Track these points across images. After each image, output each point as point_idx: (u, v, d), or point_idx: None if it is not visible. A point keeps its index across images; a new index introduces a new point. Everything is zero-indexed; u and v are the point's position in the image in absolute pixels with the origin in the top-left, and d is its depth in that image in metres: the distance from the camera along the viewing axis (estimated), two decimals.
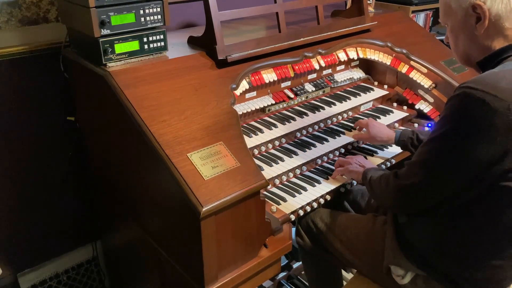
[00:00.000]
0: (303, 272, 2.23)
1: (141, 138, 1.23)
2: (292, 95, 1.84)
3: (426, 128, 1.96)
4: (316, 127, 1.80)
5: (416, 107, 2.04)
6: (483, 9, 1.09)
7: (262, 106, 1.75)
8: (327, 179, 1.57)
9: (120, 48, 1.37)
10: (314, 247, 1.61)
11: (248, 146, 1.39)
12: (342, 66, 2.11)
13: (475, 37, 1.15)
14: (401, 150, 1.77)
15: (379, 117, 1.94)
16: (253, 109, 1.71)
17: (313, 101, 1.93)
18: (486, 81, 1.02)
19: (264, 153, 1.63)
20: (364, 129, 1.75)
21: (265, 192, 1.47)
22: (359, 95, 2.02)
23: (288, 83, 1.87)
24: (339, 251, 1.51)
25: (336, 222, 1.54)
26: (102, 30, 1.32)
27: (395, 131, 1.68)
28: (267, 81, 1.68)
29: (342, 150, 1.74)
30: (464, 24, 1.15)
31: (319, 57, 1.85)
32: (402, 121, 2.00)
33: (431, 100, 2.01)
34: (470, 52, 1.19)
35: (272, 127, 1.68)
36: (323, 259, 1.67)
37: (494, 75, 1.04)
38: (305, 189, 1.50)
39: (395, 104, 2.12)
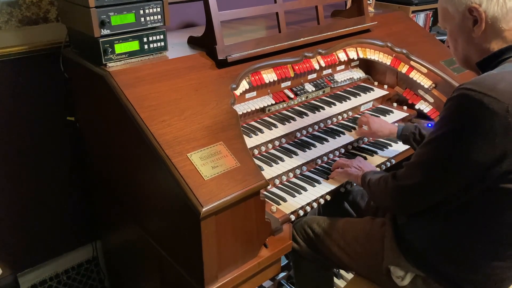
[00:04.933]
0: None
1: (141, 138, 1.23)
2: (292, 95, 1.84)
3: None
4: (316, 127, 1.80)
5: (416, 107, 2.04)
6: (479, 11, 1.09)
7: (262, 106, 1.75)
8: (327, 179, 1.57)
9: (120, 48, 1.37)
10: (310, 251, 1.60)
11: (248, 146, 1.39)
12: (342, 66, 2.11)
13: (473, 39, 1.15)
14: (402, 150, 1.77)
15: (379, 117, 1.93)
16: (253, 109, 1.71)
17: (313, 101, 1.93)
18: (484, 82, 1.02)
19: (264, 153, 1.63)
20: (364, 126, 1.75)
21: (265, 192, 1.47)
22: (359, 95, 2.02)
23: (288, 83, 1.87)
24: (336, 255, 1.50)
25: (334, 226, 1.53)
26: (102, 30, 1.32)
27: (397, 125, 1.68)
28: (267, 81, 1.68)
29: (342, 150, 1.74)
30: (462, 27, 1.15)
31: (319, 57, 1.85)
32: (402, 121, 2.00)
33: (431, 100, 2.01)
34: (469, 54, 1.19)
35: (272, 127, 1.68)
36: (317, 264, 1.65)
37: (493, 76, 1.04)
38: (305, 189, 1.50)
39: (395, 104, 2.12)
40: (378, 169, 1.64)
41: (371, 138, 1.85)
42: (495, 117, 0.98)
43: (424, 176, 1.14)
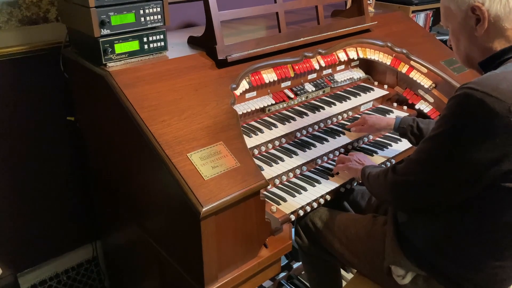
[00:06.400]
0: (303, 272, 2.23)
1: (141, 138, 1.23)
2: (292, 95, 1.84)
3: None
4: (316, 127, 1.80)
5: (416, 107, 2.04)
6: (482, 10, 1.09)
7: (262, 106, 1.75)
8: (327, 179, 1.57)
9: (120, 48, 1.37)
10: (313, 247, 1.61)
11: (248, 146, 1.39)
12: (342, 66, 2.11)
13: (476, 38, 1.15)
14: (402, 150, 1.77)
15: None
16: (253, 109, 1.71)
17: (313, 101, 1.93)
18: (487, 82, 1.02)
19: (264, 153, 1.63)
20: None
21: (265, 192, 1.47)
22: (359, 95, 2.02)
23: (288, 83, 1.87)
24: (338, 251, 1.51)
25: (336, 222, 1.54)
26: (102, 30, 1.32)
27: (395, 117, 1.68)
28: (267, 81, 1.68)
29: (342, 150, 1.74)
30: (464, 26, 1.15)
31: (319, 57, 1.85)
32: None
33: (431, 100, 2.01)
34: (471, 53, 1.19)
35: (272, 127, 1.68)
36: (322, 259, 1.67)
37: (495, 76, 1.04)
38: (305, 189, 1.50)
39: (395, 104, 2.12)
40: (376, 162, 1.65)
41: (371, 138, 1.85)
42: (496, 117, 0.98)
43: (423, 172, 1.14)
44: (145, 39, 1.42)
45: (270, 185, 1.51)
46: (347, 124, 1.86)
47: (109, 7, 1.32)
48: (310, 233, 1.60)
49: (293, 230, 1.51)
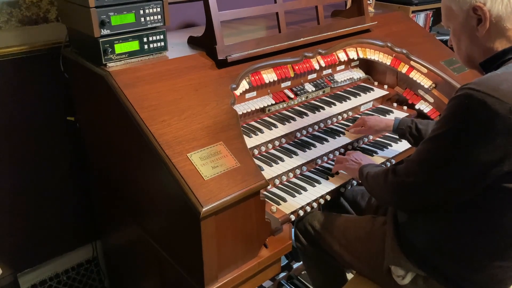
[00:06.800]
0: (303, 272, 2.23)
1: (141, 138, 1.23)
2: (292, 95, 1.84)
3: None
4: (316, 127, 1.80)
5: (416, 107, 2.04)
6: (483, 10, 1.09)
7: (262, 106, 1.75)
8: (327, 179, 1.57)
9: (120, 48, 1.37)
10: (313, 250, 1.61)
11: (248, 146, 1.39)
12: (342, 66, 2.11)
13: (477, 38, 1.14)
14: (401, 150, 1.77)
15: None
16: (253, 109, 1.71)
17: (313, 101, 1.93)
18: (488, 83, 1.02)
19: (264, 153, 1.63)
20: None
21: (265, 192, 1.47)
22: (359, 95, 2.02)
23: (288, 83, 1.87)
24: (338, 253, 1.51)
25: (334, 224, 1.54)
26: (102, 30, 1.32)
27: (394, 118, 1.68)
28: (267, 81, 1.68)
29: (342, 150, 1.74)
30: (466, 26, 1.15)
31: (319, 57, 1.85)
32: None
33: (431, 100, 2.01)
34: (472, 54, 1.19)
35: (272, 127, 1.68)
36: (323, 261, 1.67)
37: (496, 77, 1.04)
38: (305, 189, 1.50)
39: (395, 104, 2.12)
40: (376, 162, 1.65)
41: (371, 138, 1.86)
42: (497, 117, 0.98)
43: (423, 173, 1.13)
44: (145, 39, 1.42)
45: (270, 185, 1.50)
46: (347, 124, 1.86)
47: (109, 7, 1.32)
48: (309, 237, 1.60)
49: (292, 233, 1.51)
